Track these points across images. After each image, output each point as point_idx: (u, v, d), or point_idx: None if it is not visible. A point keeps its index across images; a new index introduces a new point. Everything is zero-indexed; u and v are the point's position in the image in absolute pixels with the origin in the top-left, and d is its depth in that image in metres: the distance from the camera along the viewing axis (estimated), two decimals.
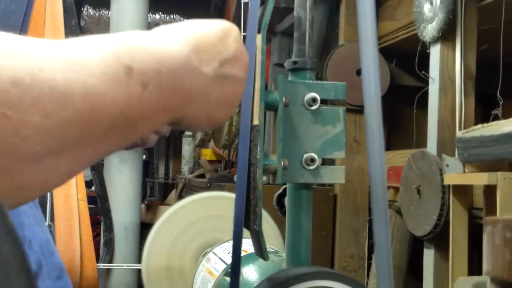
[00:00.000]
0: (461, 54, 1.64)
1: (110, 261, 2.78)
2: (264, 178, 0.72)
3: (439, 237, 1.61)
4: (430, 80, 1.71)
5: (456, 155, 1.52)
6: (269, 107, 0.72)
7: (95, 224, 2.86)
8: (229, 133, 2.38)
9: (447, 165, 1.55)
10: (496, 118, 1.54)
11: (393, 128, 2.31)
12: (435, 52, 1.69)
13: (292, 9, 0.82)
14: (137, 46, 0.37)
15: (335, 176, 0.75)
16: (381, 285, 0.56)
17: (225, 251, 1.00)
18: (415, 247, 1.91)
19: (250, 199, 0.67)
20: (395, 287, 1.45)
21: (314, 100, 0.73)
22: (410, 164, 1.70)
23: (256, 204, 0.66)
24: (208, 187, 2.42)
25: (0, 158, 0.30)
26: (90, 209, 2.60)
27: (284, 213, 0.82)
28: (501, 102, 1.56)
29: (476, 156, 1.41)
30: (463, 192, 1.53)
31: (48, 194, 2.48)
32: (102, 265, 2.73)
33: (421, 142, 1.83)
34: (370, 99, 0.56)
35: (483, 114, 1.79)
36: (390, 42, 2.04)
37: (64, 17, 2.38)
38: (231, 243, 0.71)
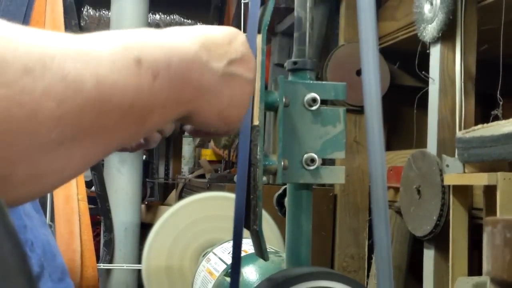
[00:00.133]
0: (461, 54, 1.64)
1: (110, 261, 2.79)
2: (264, 178, 0.72)
3: (439, 238, 1.61)
4: (430, 81, 1.71)
5: (456, 156, 1.52)
6: (269, 107, 0.72)
7: (95, 224, 2.86)
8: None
9: (447, 166, 1.55)
10: (496, 118, 1.54)
11: (393, 128, 2.31)
12: (435, 53, 1.69)
13: (292, 9, 0.82)
14: (146, 39, 0.38)
15: (335, 176, 0.75)
16: (381, 286, 0.56)
17: (225, 251, 1.00)
18: (415, 247, 1.90)
19: (250, 199, 0.67)
20: (395, 287, 1.45)
21: (314, 100, 0.73)
22: (410, 165, 1.70)
23: (256, 204, 0.66)
24: (208, 187, 2.42)
25: (17, 144, 0.31)
26: (90, 209, 2.60)
27: (284, 213, 0.82)
28: (501, 103, 1.56)
29: (476, 157, 1.41)
30: (463, 192, 1.53)
31: (48, 194, 2.48)
32: (102, 265, 2.73)
33: (421, 142, 1.83)
34: (370, 99, 0.56)
35: (483, 115, 1.79)
36: (390, 42, 2.04)
37: (64, 18, 2.38)
38: (231, 243, 0.71)
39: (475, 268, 1.62)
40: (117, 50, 0.35)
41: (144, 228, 2.64)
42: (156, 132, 0.75)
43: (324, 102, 0.75)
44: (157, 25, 4.23)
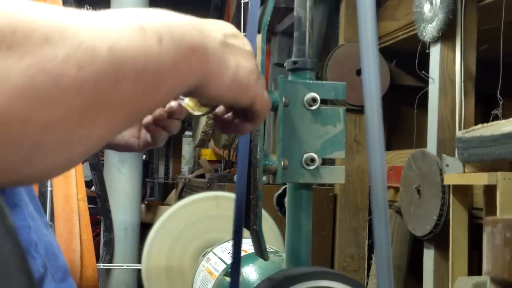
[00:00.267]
0: (461, 54, 1.64)
1: (110, 261, 2.79)
2: (264, 178, 0.72)
3: (439, 237, 1.61)
4: (430, 80, 1.71)
5: (456, 155, 1.52)
6: None
7: (95, 224, 2.86)
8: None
9: (447, 165, 1.55)
10: (496, 118, 1.54)
11: (393, 128, 2.31)
12: (435, 52, 1.69)
13: (292, 9, 0.82)
14: (143, 11, 0.41)
15: (335, 176, 0.75)
16: (381, 285, 0.56)
17: (225, 251, 1.00)
18: (415, 247, 1.90)
19: (250, 199, 0.67)
20: (395, 287, 1.45)
21: (314, 100, 0.73)
22: (410, 164, 1.70)
23: (256, 204, 0.66)
24: (208, 187, 2.42)
25: (45, 110, 0.33)
26: (90, 209, 2.60)
27: (284, 213, 0.82)
28: (501, 102, 1.56)
29: (476, 156, 1.41)
30: (463, 192, 1.53)
31: (48, 194, 2.48)
32: (102, 265, 2.73)
33: (421, 142, 1.83)
34: (370, 99, 0.56)
35: (483, 114, 1.79)
36: (390, 42, 2.04)
37: None
38: (231, 243, 0.71)
39: (475, 268, 1.62)
40: (120, 21, 0.38)
41: (144, 228, 2.64)
42: (163, 130, 0.75)
43: (324, 101, 0.75)
44: None
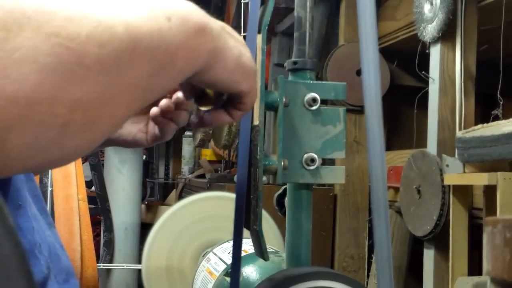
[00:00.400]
0: (461, 54, 1.64)
1: (110, 261, 2.79)
2: (264, 178, 0.72)
3: (439, 237, 1.61)
4: (430, 80, 1.71)
5: (456, 155, 1.52)
6: (269, 107, 0.72)
7: (95, 224, 2.86)
8: (229, 133, 2.37)
9: (447, 165, 1.55)
10: (496, 118, 1.54)
11: (393, 128, 2.31)
12: (435, 52, 1.69)
13: (292, 9, 0.82)
14: None
15: (335, 176, 0.75)
16: (381, 285, 0.56)
17: (225, 251, 1.00)
18: (415, 247, 1.90)
19: (250, 199, 0.67)
20: (395, 287, 1.45)
21: (314, 100, 0.73)
22: (410, 164, 1.70)
23: (256, 204, 0.66)
24: (208, 187, 2.42)
25: (72, 89, 0.34)
26: (90, 209, 2.60)
27: (284, 213, 0.82)
28: (501, 102, 1.56)
29: (476, 156, 1.41)
30: (463, 192, 1.53)
31: (48, 194, 2.48)
32: (102, 265, 2.73)
33: (421, 142, 1.83)
34: (370, 99, 0.56)
35: (483, 114, 1.79)
36: (390, 42, 2.04)
37: None
38: (231, 243, 0.71)
39: (475, 268, 1.62)
40: (131, 4, 0.39)
41: (144, 228, 2.64)
42: (171, 122, 0.75)
43: (324, 102, 0.75)
44: None
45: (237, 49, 0.49)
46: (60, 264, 0.63)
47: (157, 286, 1.17)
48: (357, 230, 2.14)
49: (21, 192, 0.58)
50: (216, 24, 0.46)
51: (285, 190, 0.82)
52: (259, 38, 0.67)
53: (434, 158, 1.60)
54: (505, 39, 1.54)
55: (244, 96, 0.53)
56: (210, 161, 3.37)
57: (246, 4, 2.44)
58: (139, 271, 1.45)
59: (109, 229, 2.77)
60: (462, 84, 1.63)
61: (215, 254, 1.02)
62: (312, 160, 0.73)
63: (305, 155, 0.73)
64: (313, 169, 0.73)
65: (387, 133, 2.27)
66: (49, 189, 2.49)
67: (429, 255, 1.68)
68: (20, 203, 0.57)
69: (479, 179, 1.40)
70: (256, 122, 0.67)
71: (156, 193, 3.94)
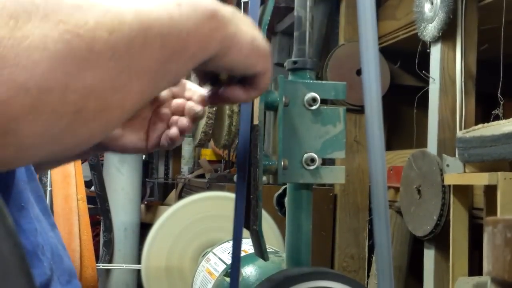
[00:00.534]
0: (461, 54, 1.64)
1: (110, 261, 2.79)
2: (264, 178, 0.72)
3: (440, 237, 1.61)
4: (431, 80, 1.71)
5: (457, 155, 1.52)
6: (269, 107, 0.72)
7: (94, 224, 2.86)
8: (229, 133, 2.37)
9: (448, 165, 1.55)
10: (497, 118, 1.54)
11: (394, 128, 2.31)
12: (435, 52, 1.69)
13: (292, 9, 0.81)
14: None
15: (335, 176, 0.75)
16: (382, 286, 0.56)
17: (225, 252, 1.00)
18: (415, 247, 1.90)
19: (250, 199, 0.66)
20: (395, 287, 1.45)
21: (314, 100, 0.73)
22: (410, 164, 1.70)
23: (256, 204, 0.66)
24: (208, 187, 2.42)
25: (83, 75, 0.34)
26: (89, 209, 2.60)
27: (284, 213, 0.82)
28: (501, 102, 1.56)
29: (476, 156, 1.41)
30: (464, 192, 1.53)
31: (48, 194, 2.48)
32: (101, 265, 2.73)
33: (422, 142, 1.82)
34: (371, 99, 0.56)
35: (484, 114, 1.79)
36: (391, 41, 2.04)
37: None
38: (231, 243, 0.71)
39: (475, 268, 1.62)
40: None
41: (144, 228, 2.64)
42: (180, 135, 0.74)
43: (324, 101, 0.74)
44: None
45: (250, 33, 0.48)
46: (63, 265, 0.62)
47: (157, 286, 1.17)
48: (357, 230, 2.14)
49: (24, 193, 0.58)
50: (226, 9, 0.46)
51: (285, 190, 0.82)
52: None
53: (434, 158, 1.60)
54: (506, 38, 1.54)
55: (259, 77, 0.53)
56: (210, 161, 3.37)
57: (246, 4, 2.44)
58: (139, 271, 1.45)
59: (109, 229, 2.77)
60: (463, 83, 1.63)
61: (214, 254, 1.02)
62: (312, 160, 0.73)
63: (305, 155, 0.73)
64: (313, 169, 0.73)
65: (387, 133, 2.27)
66: (48, 189, 2.49)
67: (429, 255, 1.68)
68: (22, 205, 0.57)
69: (480, 179, 1.40)
70: (256, 122, 0.67)
71: (155, 193, 3.93)
